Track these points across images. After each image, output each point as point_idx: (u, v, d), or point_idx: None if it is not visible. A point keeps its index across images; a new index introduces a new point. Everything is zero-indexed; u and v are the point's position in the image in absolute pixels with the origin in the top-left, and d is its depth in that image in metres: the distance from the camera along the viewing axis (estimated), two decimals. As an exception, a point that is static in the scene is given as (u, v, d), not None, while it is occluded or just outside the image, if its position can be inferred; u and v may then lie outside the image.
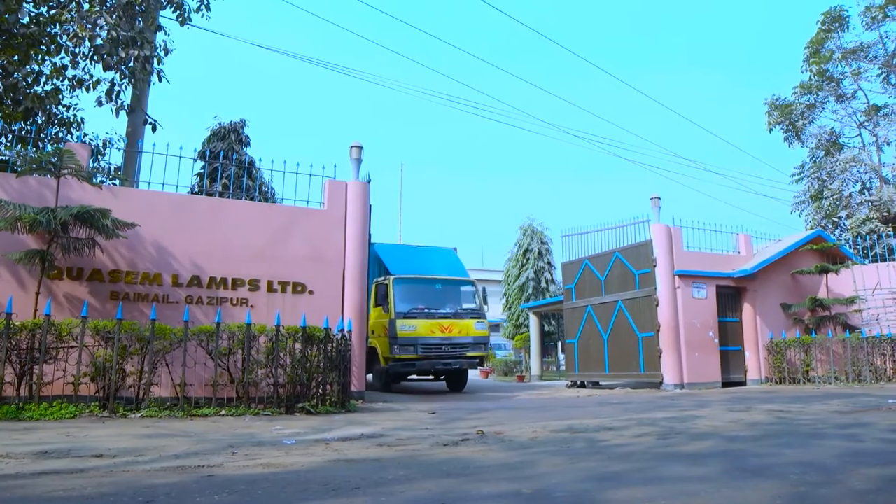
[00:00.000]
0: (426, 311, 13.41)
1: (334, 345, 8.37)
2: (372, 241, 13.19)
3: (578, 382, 15.85)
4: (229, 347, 7.87)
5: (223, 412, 7.45)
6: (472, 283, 14.70)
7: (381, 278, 13.75)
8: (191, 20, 13.11)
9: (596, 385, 15.64)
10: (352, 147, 10.64)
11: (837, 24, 24.52)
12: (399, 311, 12.99)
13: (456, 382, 14.96)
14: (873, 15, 23.48)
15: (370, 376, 14.99)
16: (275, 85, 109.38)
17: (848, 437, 5.09)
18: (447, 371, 14.08)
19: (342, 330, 8.66)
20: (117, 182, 11.37)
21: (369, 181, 10.72)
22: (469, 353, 13.60)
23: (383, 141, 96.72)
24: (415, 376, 15.18)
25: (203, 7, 13.48)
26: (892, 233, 19.74)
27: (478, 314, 14.05)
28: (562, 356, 15.00)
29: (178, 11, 12.96)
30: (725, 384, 13.79)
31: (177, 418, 7.03)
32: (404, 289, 13.38)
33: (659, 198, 14.00)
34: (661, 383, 13.15)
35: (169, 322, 7.88)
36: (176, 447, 4.67)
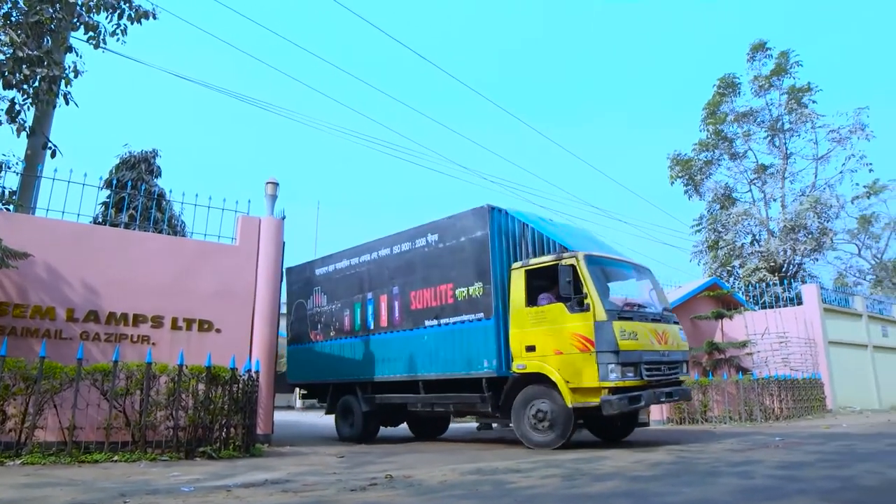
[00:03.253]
0: (639, 309, 8.87)
1: (241, 386, 8.08)
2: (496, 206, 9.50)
3: (492, 424, 15.88)
4: (126, 388, 7.43)
5: (116, 457, 6.99)
6: (651, 272, 10.17)
7: (550, 258, 8.87)
8: (105, 44, 12.63)
9: (507, 426, 15.76)
10: (267, 183, 10.49)
11: (731, 90, 26.72)
12: (610, 309, 8.14)
13: (623, 424, 9.86)
14: (760, 84, 25.82)
15: (482, 417, 11.13)
16: (192, 117, 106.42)
17: (740, 474, 5.36)
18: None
19: (249, 370, 8.38)
20: (11, 208, 10.65)
21: (284, 218, 10.58)
22: (680, 377, 9.22)
23: (300, 178, 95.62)
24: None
25: (119, 31, 13.03)
26: (778, 281, 21.34)
27: (675, 318, 9.72)
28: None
29: (91, 33, 12.46)
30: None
31: (63, 465, 6.52)
32: (598, 274, 8.54)
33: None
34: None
35: (61, 360, 7.35)
36: (59, 497, 4.33)
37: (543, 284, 8.87)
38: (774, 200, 26.92)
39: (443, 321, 9.68)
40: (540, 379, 8.55)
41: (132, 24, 13.02)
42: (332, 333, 11.76)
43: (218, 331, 9.31)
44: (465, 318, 9.38)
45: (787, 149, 26.46)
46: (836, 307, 18.72)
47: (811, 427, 12.15)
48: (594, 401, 7.94)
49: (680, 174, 27.89)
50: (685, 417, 14.56)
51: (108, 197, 17.98)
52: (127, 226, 14.00)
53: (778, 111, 26.12)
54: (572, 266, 8.36)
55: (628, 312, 8.45)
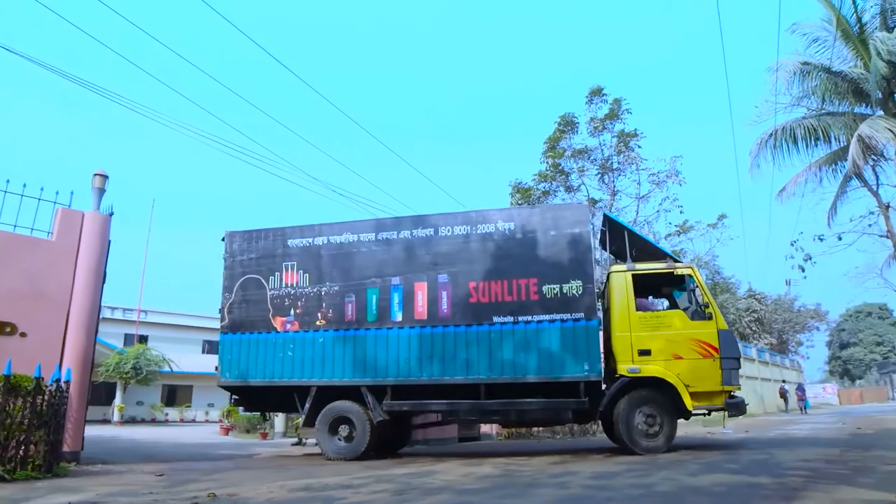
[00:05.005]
0: None
1: (46, 397, 7.24)
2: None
3: (305, 441, 15.15)
4: None
5: None
6: None
7: (663, 265, 9.34)
8: None
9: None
10: (95, 175, 9.59)
11: (570, 128, 28.87)
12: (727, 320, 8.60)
13: None
14: (595, 125, 28.18)
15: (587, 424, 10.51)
16: (10, 96, 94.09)
17: (558, 485, 5.75)
18: None
19: (58, 380, 7.55)
20: None
21: (112, 214, 9.72)
22: None
23: (136, 175, 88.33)
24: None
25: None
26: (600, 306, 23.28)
27: None
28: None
29: None
30: (462, 439, 14.70)
31: None
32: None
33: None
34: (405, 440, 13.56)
35: None
36: None
37: (645, 289, 9.03)
38: (601, 232, 29.36)
39: (522, 318, 9.04)
40: (646, 383, 8.67)
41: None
42: (318, 323, 9.75)
43: (23, 335, 8.28)
44: (556, 317, 8.93)
45: (614, 186, 29.04)
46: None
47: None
48: (716, 403, 8.54)
49: (520, 201, 29.53)
50: (514, 432, 15.31)
51: None
52: (-88, 210, 12.09)
53: (609, 152, 28.65)
54: (688, 275, 8.92)
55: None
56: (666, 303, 10.23)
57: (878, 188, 18.51)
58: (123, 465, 8.64)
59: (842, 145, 17.45)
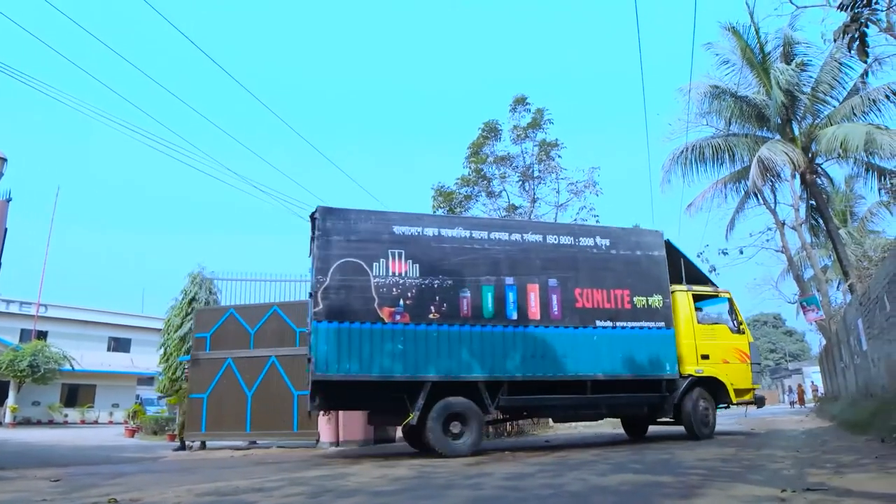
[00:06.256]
0: None
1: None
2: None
3: (192, 444, 14.30)
4: None
5: None
6: None
7: (710, 289, 12.00)
8: None
9: (253, 444, 15.14)
10: (-8, 158, 8.99)
11: (493, 134, 29.31)
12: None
13: (645, 424, 12.79)
14: (518, 133, 28.75)
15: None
16: None
17: (472, 486, 5.83)
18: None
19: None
20: None
21: (10, 200, 9.16)
22: None
23: (40, 160, 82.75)
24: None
25: None
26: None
27: None
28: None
29: None
30: (378, 441, 14.60)
31: None
32: None
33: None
34: (317, 441, 13.34)
35: None
36: None
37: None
38: (522, 238, 29.92)
39: (618, 324, 10.36)
40: (702, 381, 10.84)
41: None
42: (431, 316, 9.43)
43: None
44: (644, 324, 10.50)
45: (534, 194, 29.66)
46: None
47: (535, 440, 13.66)
48: (747, 398, 11.32)
49: (442, 204, 29.65)
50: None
51: None
52: None
53: (530, 160, 29.27)
54: (731, 298, 11.69)
55: None
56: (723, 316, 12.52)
57: (775, 206, 19.91)
58: (14, 471, 8.09)
59: (745, 165, 18.64)
